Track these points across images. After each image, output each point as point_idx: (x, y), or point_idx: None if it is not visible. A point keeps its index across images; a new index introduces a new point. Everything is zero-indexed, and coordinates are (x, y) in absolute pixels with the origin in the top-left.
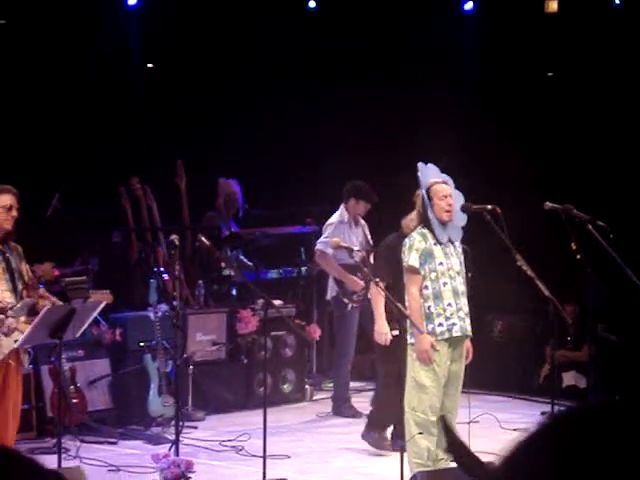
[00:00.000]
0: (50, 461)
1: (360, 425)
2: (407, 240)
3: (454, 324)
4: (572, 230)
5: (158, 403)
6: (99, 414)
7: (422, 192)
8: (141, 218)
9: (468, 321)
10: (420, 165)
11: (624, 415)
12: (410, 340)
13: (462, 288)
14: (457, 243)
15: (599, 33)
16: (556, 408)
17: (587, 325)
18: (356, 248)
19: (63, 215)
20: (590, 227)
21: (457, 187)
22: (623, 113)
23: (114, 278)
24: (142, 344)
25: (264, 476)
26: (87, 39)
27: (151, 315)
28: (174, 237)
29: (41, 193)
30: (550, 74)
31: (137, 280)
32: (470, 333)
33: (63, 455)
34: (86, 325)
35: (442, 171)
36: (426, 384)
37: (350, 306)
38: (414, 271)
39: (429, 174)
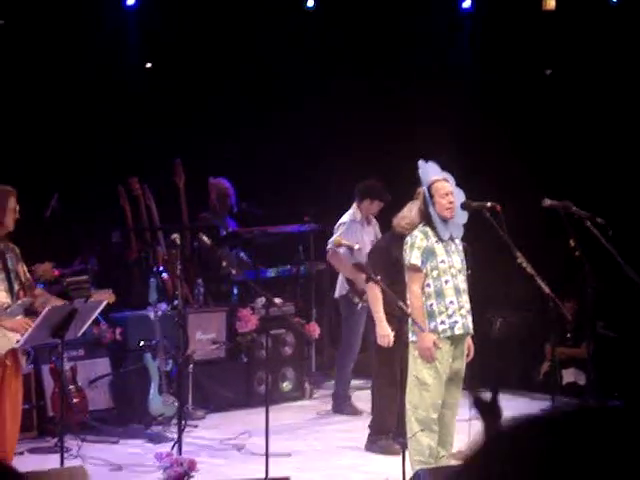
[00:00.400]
0: (52, 461)
1: (360, 422)
2: (409, 238)
3: (456, 322)
4: (571, 227)
5: (158, 402)
6: (100, 413)
7: (424, 190)
8: (140, 218)
9: (470, 319)
10: (421, 163)
11: (605, 421)
12: (412, 338)
13: (463, 286)
14: (458, 240)
15: (597, 30)
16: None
17: (586, 322)
18: (357, 247)
19: (62, 215)
20: (589, 224)
21: (457, 184)
22: (621, 110)
23: (113, 277)
24: (142, 343)
25: (266, 474)
26: (86, 39)
27: (151, 314)
28: (175, 236)
29: (40, 193)
30: (548, 71)
31: (137, 279)
32: (472, 331)
33: (65, 454)
34: (87, 324)
35: (442, 168)
36: (428, 382)
37: (360, 305)
38: (416, 269)
39: (430, 172)
